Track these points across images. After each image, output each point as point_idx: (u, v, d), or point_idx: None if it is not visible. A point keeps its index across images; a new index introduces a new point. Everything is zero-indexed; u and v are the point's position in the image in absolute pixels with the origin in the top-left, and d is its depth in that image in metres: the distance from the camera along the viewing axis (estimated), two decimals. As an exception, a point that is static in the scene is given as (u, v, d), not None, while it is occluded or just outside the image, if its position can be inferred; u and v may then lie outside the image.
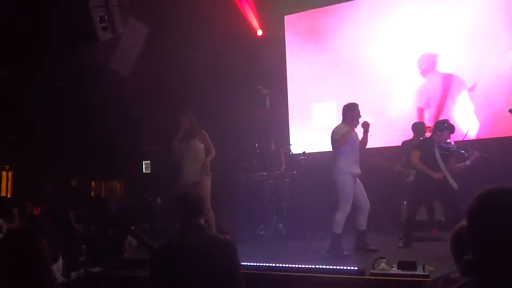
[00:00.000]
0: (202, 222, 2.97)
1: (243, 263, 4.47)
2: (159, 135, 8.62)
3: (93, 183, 10.78)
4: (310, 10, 9.26)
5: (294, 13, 9.35)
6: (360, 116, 5.47)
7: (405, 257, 4.01)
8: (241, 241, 6.18)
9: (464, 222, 1.52)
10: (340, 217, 5.27)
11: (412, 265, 3.75)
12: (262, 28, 9.07)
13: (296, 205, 7.03)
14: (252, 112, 8.30)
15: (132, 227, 5.25)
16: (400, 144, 6.99)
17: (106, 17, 5.35)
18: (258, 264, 4.47)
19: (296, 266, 4.25)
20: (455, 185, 5.46)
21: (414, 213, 5.79)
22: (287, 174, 7.09)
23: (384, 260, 3.87)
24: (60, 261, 3.94)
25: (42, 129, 8.34)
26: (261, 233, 7.02)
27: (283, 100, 8.74)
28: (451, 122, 5.82)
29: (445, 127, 5.63)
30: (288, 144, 7.59)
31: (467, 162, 5.59)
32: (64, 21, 5.29)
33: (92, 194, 10.82)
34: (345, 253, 5.18)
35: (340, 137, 5.36)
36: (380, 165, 6.92)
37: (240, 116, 7.86)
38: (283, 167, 7.25)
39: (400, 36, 8.40)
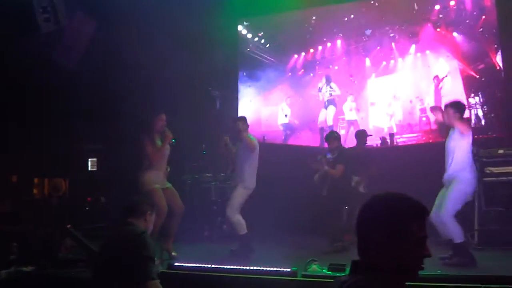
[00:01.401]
0: (135, 222, 3.07)
1: (183, 264, 4.55)
2: (106, 133, 8.43)
3: (35, 179, 10.39)
4: (266, 16, 9.39)
5: (250, 17, 9.47)
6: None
7: (338, 260, 4.12)
8: (185, 242, 6.21)
9: None
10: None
11: (342, 267, 3.86)
12: (215, 29, 9.06)
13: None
14: (201, 113, 8.27)
15: (68, 226, 5.10)
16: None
17: (49, 8, 5.18)
18: (194, 265, 4.49)
19: (231, 267, 4.28)
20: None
21: (354, 217, 6.01)
22: (232, 176, 7.11)
23: (316, 262, 3.96)
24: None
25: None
26: (205, 234, 7.02)
27: (233, 102, 8.77)
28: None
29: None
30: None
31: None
32: (4, 10, 5.09)
33: (35, 191, 10.43)
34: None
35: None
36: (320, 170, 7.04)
37: (189, 117, 7.81)
38: (230, 168, 7.28)
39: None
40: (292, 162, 7.55)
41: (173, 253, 5.34)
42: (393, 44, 9.63)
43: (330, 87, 10.01)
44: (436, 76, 9.01)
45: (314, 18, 9.73)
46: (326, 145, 6.60)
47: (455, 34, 8.95)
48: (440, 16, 9.13)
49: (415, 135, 8.97)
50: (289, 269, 4.03)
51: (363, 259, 1.47)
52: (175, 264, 4.52)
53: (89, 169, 9.46)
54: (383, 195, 1.50)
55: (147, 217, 3.21)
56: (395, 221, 1.43)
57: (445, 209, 4.82)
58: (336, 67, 10.24)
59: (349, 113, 9.94)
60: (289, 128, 10.32)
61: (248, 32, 10.05)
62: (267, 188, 5.96)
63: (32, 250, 5.07)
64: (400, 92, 9.51)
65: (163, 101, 7.31)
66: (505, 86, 8.02)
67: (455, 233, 4.82)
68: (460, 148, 5.01)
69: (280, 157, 7.78)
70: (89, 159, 9.42)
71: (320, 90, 10.19)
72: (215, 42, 8.84)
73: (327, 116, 10.01)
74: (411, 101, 9.24)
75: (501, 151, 5.96)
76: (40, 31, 5.11)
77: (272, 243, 6.24)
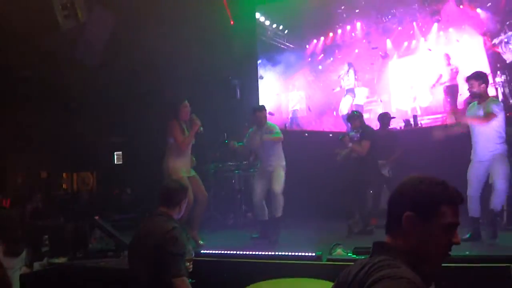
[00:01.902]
0: (169, 211, 3.06)
1: (210, 251, 4.62)
2: (130, 126, 8.56)
3: (64, 174, 10.68)
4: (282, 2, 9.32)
5: (267, 3, 9.41)
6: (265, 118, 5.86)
7: (362, 244, 4.10)
8: (211, 230, 6.29)
9: None
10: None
11: (367, 250, 3.83)
12: (233, 18, 9.04)
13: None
14: (222, 102, 8.30)
15: (96, 217, 5.23)
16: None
17: (68, 5, 5.26)
18: (221, 252, 4.55)
19: (257, 253, 4.32)
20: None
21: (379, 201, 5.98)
22: (255, 164, 7.13)
23: (340, 246, 3.96)
24: (24, 252, 3.92)
25: (12, 121, 8.19)
26: (231, 222, 7.08)
27: (254, 90, 8.76)
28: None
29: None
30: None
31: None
32: (25, 8, 5.20)
33: (64, 186, 10.72)
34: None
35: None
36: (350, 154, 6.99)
37: (211, 106, 7.85)
38: (252, 157, 7.30)
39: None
40: (315, 147, 7.53)
41: (200, 242, 5.40)
42: (414, 23, 9.41)
43: (348, 76, 9.88)
44: (447, 54, 8.81)
45: (332, 1, 9.59)
46: (349, 126, 6.56)
47: (478, 10, 8.67)
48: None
49: (439, 116, 8.76)
50: (314, 254, 4.04)
51: (390, 239, 1.46)
52: (202, 252, 4.59)
53: (115, 162, 9.67)
54: (417, 177, 1.48)
55: (181, 206, 3.16)
56: (427, 203, 1.41)
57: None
58: (357, 50, 10.09)
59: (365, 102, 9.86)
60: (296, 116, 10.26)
61: (266, 19, 9.97)
62: (290, 173, 5.95)
63: (64, 242, 5.23)
64: (422, 73, 9.31)
65: (184, 91, 7.36)
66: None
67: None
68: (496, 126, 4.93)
69: (302, 143, 7.75)
70: (115, 153, 9.62)
71: (340, 77, 10.07)
72: (233, 31, 8.84)
73: (342, 105, 9.91)
74: (434, 84, 9.03)
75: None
76: (60, 29, 5.18)
77: (297, 228, 6.25)
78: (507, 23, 8.22)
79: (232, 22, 8.93)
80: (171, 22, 7.41)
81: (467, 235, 4.92)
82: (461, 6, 8.91)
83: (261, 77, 9.31)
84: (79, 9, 5.42)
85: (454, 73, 8.74)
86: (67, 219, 6.52)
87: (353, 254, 3.91)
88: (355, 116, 6.33)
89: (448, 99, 8.74)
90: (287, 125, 9.83)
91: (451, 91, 8.73)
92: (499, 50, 8.26)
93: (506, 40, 8.15)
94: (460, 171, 5.24)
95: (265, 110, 6.00)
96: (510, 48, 8.13)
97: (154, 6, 7.13)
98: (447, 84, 8.80)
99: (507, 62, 8.21)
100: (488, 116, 4.77)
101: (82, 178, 10.56)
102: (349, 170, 6.48)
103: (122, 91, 7.93)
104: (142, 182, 7.88)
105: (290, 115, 10.47)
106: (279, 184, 5.65)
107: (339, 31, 10.16)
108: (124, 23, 6.87)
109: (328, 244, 4.32)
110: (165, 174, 5.32)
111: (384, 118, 6.99)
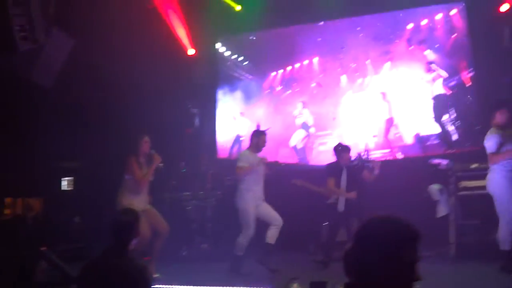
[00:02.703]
0: (126, 246, 2.94)
1: (165, 286, 4.49)
2: (86, 152, 8.28)
3: (8, 199, 10.09)
4: (244, 33, 9.49)
5: (228, 35, 9.56)
6: (265, 144, 5.68)
7: (319, 277, 4.11)
8: (163, 262, 6.12)
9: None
10: (242, 240, 5.49)
11: (322, 285, 3.85)
12: (195, 47, 9.10)
13: (221, 226, 7.02)
14: (181, 130, 8.25)
15: (43, 248, 4.95)
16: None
17: (27, 26, 5.11)
18: (176, 286, 4.44)
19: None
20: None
21: (334, 234, 6.05)
22: (212, 194, 7.08)
23: (297, 281, 3.95)
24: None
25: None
26: (184, 254, 6.93)
27: (212, 119, 8.77)
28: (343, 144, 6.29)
29: (340, 150, 5.97)
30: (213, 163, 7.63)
31: (375, 172, 5.96)
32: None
33: (7, 211, 10.12)
34: (243, 271, 5.45)
35: (238, 170, 5.60)
36: (305, 187, 7.09)
37: (168, 135, 7.77)
38: (209, 186, 7.26)
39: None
40: (271, 178, 7.58)
41: (155, 275, 5.23)
42: (368, 61, 9.85)
43: (302, 114, 10.11)
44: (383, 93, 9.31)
45: (290, 36, 9.87)
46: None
47: (427, 52, 9.23)
48: (413, 34, 9.41)
49: (387, 150, 9.12)
50: (270, 288, 4.01)
51: (356, 281, 1.49)
52: (157, 286, 4.45)
53: (65, 188, 9.25)
54: (377, 219, 1.53)
55: (135, 240, 3.04)
56: (387, 247, 1.46)
57: None
58: (313, 84, 10.38)
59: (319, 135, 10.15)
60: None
61: (226, 50, 10.11)
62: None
63: (6, 274, 4.90)
64: (374, 109, 9.70)
65: (141, 118, 7.27)
66: (476, 102, 8.29)
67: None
68: None
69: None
70: (64, 178, 9.22)
71: (295, 115, 10.30)
72: (194, 60, 8.89)
73: (293, 137, 10.08)
74: (388, 120, 9.42)
75: (474, 166, 6.12)
76: (17, 50, 5.01)
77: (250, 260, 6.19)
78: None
79: (192, 52, 9.00)
80: (131, 50, 7.37)
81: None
82: (411, 48, 9.47)
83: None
84: (37, 31, 5.26)
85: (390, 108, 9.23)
86: (8, 249, 6.13)
87: (310, 289, 3.90)
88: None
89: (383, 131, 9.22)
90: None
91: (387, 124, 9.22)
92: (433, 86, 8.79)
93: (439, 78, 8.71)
94: (409, 203, 5.46)
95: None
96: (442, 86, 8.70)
97: (115, 34, 7.08)
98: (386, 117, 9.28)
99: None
100: None
101: (27, 203, 9.99)
102: (303, 203, 6.61)
103: (78, 116, 7.71)
104: (92, 211, 7.59)
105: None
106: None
107: (297, 65, 10.45)
108: (83, 46, 6.75)
109: (284, 277, 4.31)
110: (117, 206, 5.17)
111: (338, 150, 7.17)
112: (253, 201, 5.59)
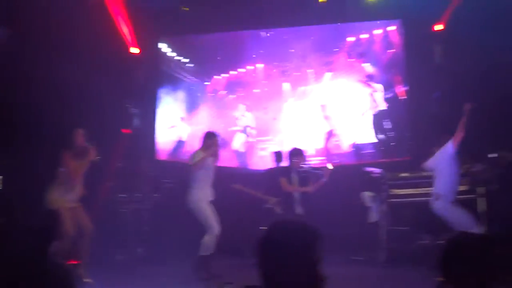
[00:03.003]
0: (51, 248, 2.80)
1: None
2: (19, 150, 7.82)
3: None
4: (188, 35, 9.41)
5: (172, 36, 9.43)
6: (217, 146, 5.68)
7: (253, 281, 4.13)
8: (96, 266, 5.88)
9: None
10: (209, 239, 5.39)
11: (257, 289, 3.88)
12: (138, 46, 8.88)
13: (158, 229, 6.89)
14: (119, 130, 8.01)
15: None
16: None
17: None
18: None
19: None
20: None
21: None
22: (149, 197, 6.93)
23: (231, 285, 3.95)
24: None
25: None
26: (119, 258, 6.72)
27: (152, 120, 8.59)
28: (299, 148, 6.37)
29: (296, 153, 6.12)
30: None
31: (323, 179, 6.10)
32: None
33: None
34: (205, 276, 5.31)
35: (194, 163, 5.55)
36: (243, 191, 7.12)
37: (107, 134, 7.53)
38: (147, 189, 7.09)
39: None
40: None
41: (86, 280, 5.02)
42: (310, 71, 10.11)
43: (245, 116, 10.18)
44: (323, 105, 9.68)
45: (236, 41, 9.92)
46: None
47: (365, 65, 9.63)
48: (353, 47, 9.80)
49: (323, 158, 9.38)
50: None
51: (270, 285, 1.52)
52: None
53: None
54: (280, 224, 1.58)
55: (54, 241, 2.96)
56: (290, 251, 1.51)
57: None
58: (258, 90, 10.48)
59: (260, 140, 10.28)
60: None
61: (171, 51, 9.96)
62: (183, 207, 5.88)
63: None
64: (315, 119, 9.96)
65: (80, 117, 6.99)
66: (408, 115, 8.75)
67: None
68: None
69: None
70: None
71: (237, 118, 10.34)
72: (136, 59, 8.70)
73: (235, 141, 10.14)
74: (328, 131, 9.70)
75: (403, 174, 6.45)
76: None
77: (186, 266, 6.11)
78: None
79: (136, 51, 8.78)
80: (72, 46, 7.09)
81: None
82: (350, 60, 9.85)
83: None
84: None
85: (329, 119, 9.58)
86: None
87: (243, 293, 3.91)
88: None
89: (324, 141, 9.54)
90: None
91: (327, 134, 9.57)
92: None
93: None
94: (344, 211, 5.65)
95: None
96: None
97: (50, 26, 6.78)
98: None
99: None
100: None
101: None
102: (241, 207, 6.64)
103: (6, 110, 7.26)
104: (21, 211, 7.15)
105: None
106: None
107: (242, 70, 10.51)
108: (18, 40, 6.42)
109: (220, 281, 4.30)
110: (47, 203, 5.02)
111: (276, 156, 7.29)
112: (205, 200, 5.57)
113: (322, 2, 8.57)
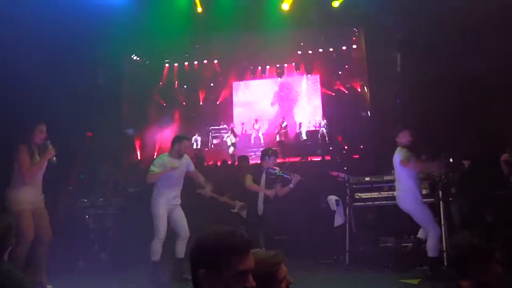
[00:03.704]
0: (4, 256, 2.67)
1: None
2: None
3: None
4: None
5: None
6: (186, 150, 5.59)
7: None
8: (57, 273, 5.67)
9: None
10: (154, 245, 5.30)
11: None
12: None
13: (121, 235, 6.72)
14: (82, 133, 7.77)
15: None
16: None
17: None
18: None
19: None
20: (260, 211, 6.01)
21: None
22: (113, 202, 6.76)
23: None
24: None
25: None
26: (81, 264, 6.51)
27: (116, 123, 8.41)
28: (275, 148, 6.38)
29: (270, 153, 6.11)
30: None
31: (291, 185, 6.10)
32: None
33: None
34: (163, 279, 5.21)
35: (150, 173, 5.40)
36: (209, 196, 7.07)
37: (67, 136, 7.30)
38: (110, 194, 6.92)
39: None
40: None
41: (48, 286, 4.82)
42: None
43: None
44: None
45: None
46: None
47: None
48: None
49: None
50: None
51: None
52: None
53: None
54: (209, 232, 1.57)
55: (7, 249, 2.75)
56: (216, 257, 1.50)
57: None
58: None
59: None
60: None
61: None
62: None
63: None
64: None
65: (40, 115, 6.74)
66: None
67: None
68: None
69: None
70: None
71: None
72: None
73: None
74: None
75: (367, 178, 6.57)
76: None
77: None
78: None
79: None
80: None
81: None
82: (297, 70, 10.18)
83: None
84: None
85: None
86: None
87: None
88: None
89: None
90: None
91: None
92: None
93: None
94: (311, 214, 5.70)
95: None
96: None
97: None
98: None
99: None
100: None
101: None
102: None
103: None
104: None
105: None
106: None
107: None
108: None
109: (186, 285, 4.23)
110: (6, 204, 4.69)
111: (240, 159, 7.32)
112: (165, 205, 5.41)
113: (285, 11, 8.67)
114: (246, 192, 6.21)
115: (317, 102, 12.59)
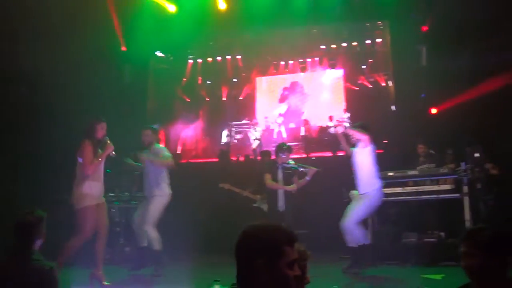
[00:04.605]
0: (34, 246, 2.78)
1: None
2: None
3: None
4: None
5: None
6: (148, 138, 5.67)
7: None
8: (83, 266, 5.84)
9: None
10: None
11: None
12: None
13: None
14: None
15: None
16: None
17: None
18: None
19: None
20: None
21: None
22: (138, 196, 6.91)
23: (219, 282, 3.97)
24: None
25: None
26: (107, 257, 6.68)
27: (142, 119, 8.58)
28: (287, 144, 6.42)
29: (284, 149, 6.13)
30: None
31: (307, 177, 6.13)
32: None
33: None
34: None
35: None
36: (231, 190, 7.14)
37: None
38: (136, 188, 7.07)
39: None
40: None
41: (105, 283, 4.90)
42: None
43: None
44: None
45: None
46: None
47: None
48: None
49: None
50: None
51: (242, 285, 1.56)
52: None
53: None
54: (258, 225, 1.63)
55: (39, 241, 2.83)
56: (273, 247, 1.56)
57: (350, 218, 5.40)
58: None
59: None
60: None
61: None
62: (173, 205, 5.88)
63: None
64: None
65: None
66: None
67: (360, 236, 5.46)
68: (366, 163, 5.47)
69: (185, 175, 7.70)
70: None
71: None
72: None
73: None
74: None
75: (391, 173, 6.52)
76: None
77: (179, 263, 6.14)
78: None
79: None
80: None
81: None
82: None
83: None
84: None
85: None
86: None
87: (232, 290, 3.94)
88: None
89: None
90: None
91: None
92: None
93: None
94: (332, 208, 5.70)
95: (151, 130, 5.81)
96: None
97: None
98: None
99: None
100: None
101: None
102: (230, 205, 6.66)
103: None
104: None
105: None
106: (151, 215, 5.50)
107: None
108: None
109: (209, 279, 4.31)
110: (75, 198, 4.86)
111: (263, 154, 7.36)
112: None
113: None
114: (267, 188, 6.26)
115: (341, 96, 12.48)
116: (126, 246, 6.76)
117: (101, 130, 5.01)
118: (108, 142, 5.02)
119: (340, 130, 5.72)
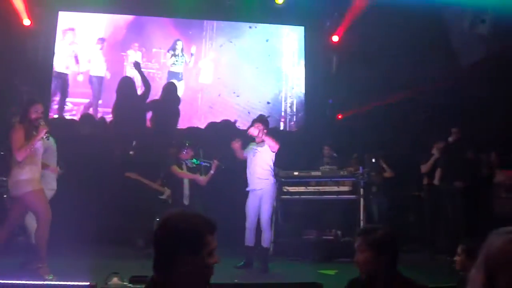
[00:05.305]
0: None
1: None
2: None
3: None
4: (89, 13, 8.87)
5: (70, 10, 8.82)
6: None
7: (139, 272, 4.08)
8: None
9: None
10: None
11: (143, 279, 3.84)
12: (32, 18, 8.17)
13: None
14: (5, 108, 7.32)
15: None
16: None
17: None
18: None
19: (23, 282, 3.87)
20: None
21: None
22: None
23: (117, 275, 3.88)
24: None
25: None
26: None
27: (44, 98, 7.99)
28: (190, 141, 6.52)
29: (185, 145, 6.27)
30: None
31: (211, 171, 6.21)
32: None
33: None
34: None
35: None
36: (139, 181, 6.95)
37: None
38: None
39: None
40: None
41: (48, 276, 4.53)
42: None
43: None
44: None
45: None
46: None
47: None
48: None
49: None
50: (87, 283, 3.82)
51: (160, 276, 1.55)
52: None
53: None
54: (179, 213, 1.62)
55: None
56: (196, 238, 1.56)
57: (266, 219, 5.60)
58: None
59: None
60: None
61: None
62: (68, 193, 5.60)
63: None
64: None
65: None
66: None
67: (269, 239, 5.73)
68: (268, 161, 5.64)
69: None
70: None
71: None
72: (30, 31, 8.08)
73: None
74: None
75: (296, 173, 6.80)
76: None
77: (73, 255, 5.79)
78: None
79: (28, 23, 8.09)
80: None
81: (241, 263, 5.46)
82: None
83: None
84: None
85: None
86: None
87: (130, 283, 3.86)
88: None
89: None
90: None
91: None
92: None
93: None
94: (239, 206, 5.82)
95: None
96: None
97: None
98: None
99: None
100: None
101: None
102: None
103: None
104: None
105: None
106: None
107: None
108: None
109: (106, 272, 4.17)
110: (10, 185, 4.71)
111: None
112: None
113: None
114: (171, 180, 6.29)
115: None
116: (19, 236, 6.25)
117: (34, 112, 4.68)
118: (42, 124, 4.68)
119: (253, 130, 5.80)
